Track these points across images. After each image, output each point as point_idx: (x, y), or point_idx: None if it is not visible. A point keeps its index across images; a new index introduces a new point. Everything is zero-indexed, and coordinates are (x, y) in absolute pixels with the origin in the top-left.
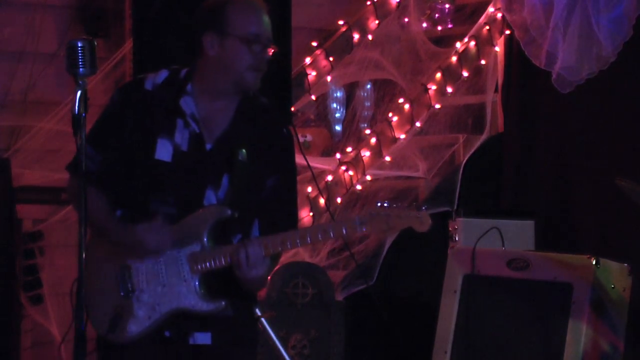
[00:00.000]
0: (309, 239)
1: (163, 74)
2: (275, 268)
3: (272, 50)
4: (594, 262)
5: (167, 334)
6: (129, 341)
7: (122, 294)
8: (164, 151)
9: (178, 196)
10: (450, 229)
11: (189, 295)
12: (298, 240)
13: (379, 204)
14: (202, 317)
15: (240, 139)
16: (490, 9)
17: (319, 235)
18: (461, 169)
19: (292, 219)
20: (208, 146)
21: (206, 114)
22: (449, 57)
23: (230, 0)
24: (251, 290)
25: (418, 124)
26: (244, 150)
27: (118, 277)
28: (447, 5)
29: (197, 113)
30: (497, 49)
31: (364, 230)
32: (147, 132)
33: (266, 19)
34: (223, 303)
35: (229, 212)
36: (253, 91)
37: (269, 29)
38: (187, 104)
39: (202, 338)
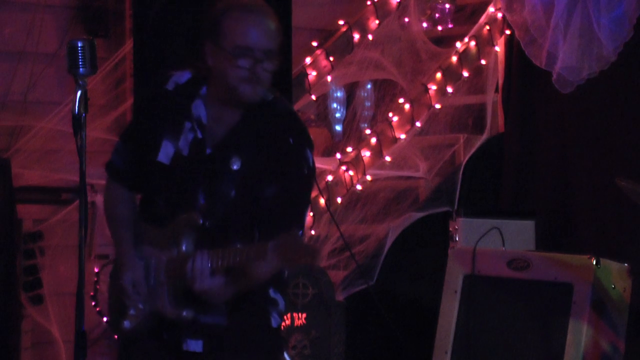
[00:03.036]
0: (237, 258)
1: (187, 75)
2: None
3: (271, 63)
4: (594, 262)
5: (165, 335)
6: (126, 336)
7: (129, 290)
8: (165, 154)
9: (171, 199)
10: (450, 229)
11: (162, 298)
12: (231, 259)
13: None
14: (194, 324)
15: (239, 146)
16: (491, 9)
17: (241, 258)
18: (461, 169)
19: (288, 231)
20: (208, 151)
21: (213, 119)
22: (450, 57)
23: (229, 7)
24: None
25: (418, 124)
26: (239, 158)
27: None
28: (447, 5)
29: (205, 118)
30: (497, 49)
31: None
32: (156, 132)
33: (266, 29)
34: (184, 313)
35: (200, 221)
36: (251, 102)
37: (268, 40)
38: (197, 108)
39: (194, 345)
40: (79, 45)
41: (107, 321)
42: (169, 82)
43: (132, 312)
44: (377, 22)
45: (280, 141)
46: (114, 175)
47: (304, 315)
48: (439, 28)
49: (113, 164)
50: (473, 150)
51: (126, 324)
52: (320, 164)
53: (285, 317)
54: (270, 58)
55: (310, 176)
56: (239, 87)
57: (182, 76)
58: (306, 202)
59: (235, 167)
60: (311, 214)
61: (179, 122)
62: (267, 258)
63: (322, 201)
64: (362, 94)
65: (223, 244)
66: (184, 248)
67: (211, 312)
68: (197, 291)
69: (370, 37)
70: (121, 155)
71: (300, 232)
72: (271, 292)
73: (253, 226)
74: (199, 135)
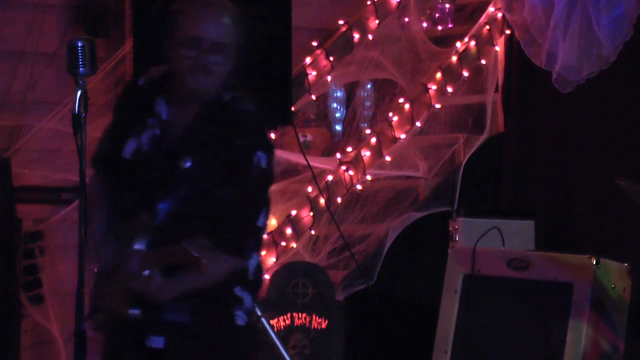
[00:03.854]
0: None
1: (159, 70)
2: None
3: (221, 56)
4: (594, 262)
5: (132, 331)
6: (102, 332)
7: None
8: (129, 149)
9: (133, 193)
10: (450, 228)
11: (117, 296)
12: (159, 261)
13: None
14: (156, 320)
15: (191, 145)
16: (491, 9)
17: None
18: (461, 169)
19: (234, 235)
20: (164, 148)
21: (174, 116)
22: (449, 56)
23: (186, 1)
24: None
25: (418, 124)
26: (190, 157)
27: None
28: (447, 5)
29: (166, 114)
30: (497, 48)
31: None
32: (125, 129)
33: (216, 21)
34: (129, 311)
35: (150, 220)
36: (201, 95)
37: (218, 32)
38: (160, 104)
39: (156, 342)
40: (79, 45)
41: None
42: (141, 77)
43: (101, 308)
44: (377, 21)
45: (228, 142)
46: (97, 168)
47: (304, 315)
48: (439, 28)
49: (96, 157)
50: (473, 150)
51: (97, 318)
52: (320, 163)
53: (285, 316)
54: (220, 51)
55: (261, 179)
56: (186, 77)
57: (155, 72)
58: (256, 205)
59: (186, 166)
60: (311, 213)
61: (144, 119)
62: (194, 259)
63: (322, 201)
64: (362, 93)
65: (173, 241)
66: (136, 247)
67: (174, 310)
68: (137, 291)
69: (370, 36)
70: (102, 149)
71: (251, 238)
72: (237, 291)
73: (205, 228)
74: (157, 132)
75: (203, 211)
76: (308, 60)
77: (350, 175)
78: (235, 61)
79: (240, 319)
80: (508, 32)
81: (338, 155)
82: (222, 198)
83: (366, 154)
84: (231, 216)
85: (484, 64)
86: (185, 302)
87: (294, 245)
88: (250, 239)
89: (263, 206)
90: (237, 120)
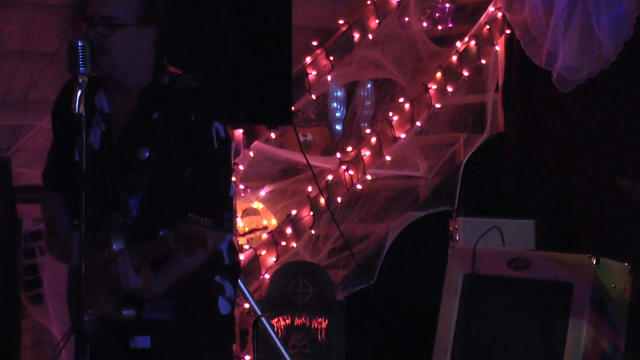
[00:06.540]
0: (150, 253)
1: None
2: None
3: (106, 28)
4: (594, 262)
5: (114, 334)
6: (86, 340)
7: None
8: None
9: (95, 197)
10: (450, 228)
11: (104, 301)
12: (147, 254)
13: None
14: (141, 321)
15: (143, 135)
16: (491, 9)
17: (148, 253)
18: (462, 169)
19: (210, 214)
20: (114, 142)
21: (114, 107)
22: (450, 56)
23: None
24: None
25: (418, 124)
26: (146, 147)
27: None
28: (447, 5)
29: (107, 107)
30: (497, 48)
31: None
32: (69, 134)
33: None
34: (124, 312)
35: (121, 220)
36: (107, 74)
37: (102, 5)
38: (99, 98)
39: (142, 342)
40: (79, 44)
41: (70, 327)
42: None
43: (86, 317)
44: (377, 21)
45: (182, 121)
46: (48, 183)
47: (304, 314)
48: (439, 27)
49: (46, 171)
50: (473, 149)
51: (83, 327)
52: (320, 163)
53: (285, 316)
54: (109, 26)
55: (223, 150)
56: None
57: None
58: (226, 177)
59: (144, 157)
60: (311, 213)
61: (88, 118)
62: (172, 250)
63: (322, 200)
64: (362, 93)
65: (152, 238)
66: (114, 248)
67: (157, 308)
68: (127, 291)
69: (370, 36)
70: (51, 162)
71: (226, 211)
72: (217, 279)
73: (178, 214)
74: (103, 127)
75: (174, 196)
76: (308, 59)
77: (351, 175)
78: (150, 43)
79: (224, 307)
80: (508, 31)
81: (338, 155)
82: (192, 179)
83: (366, 153)
84: (204, 194)
85: (484, 64)
86: (167, 300)
87: (294, 244)
88: (226, 210)
89: (231, 175)
90: (185, 99)
